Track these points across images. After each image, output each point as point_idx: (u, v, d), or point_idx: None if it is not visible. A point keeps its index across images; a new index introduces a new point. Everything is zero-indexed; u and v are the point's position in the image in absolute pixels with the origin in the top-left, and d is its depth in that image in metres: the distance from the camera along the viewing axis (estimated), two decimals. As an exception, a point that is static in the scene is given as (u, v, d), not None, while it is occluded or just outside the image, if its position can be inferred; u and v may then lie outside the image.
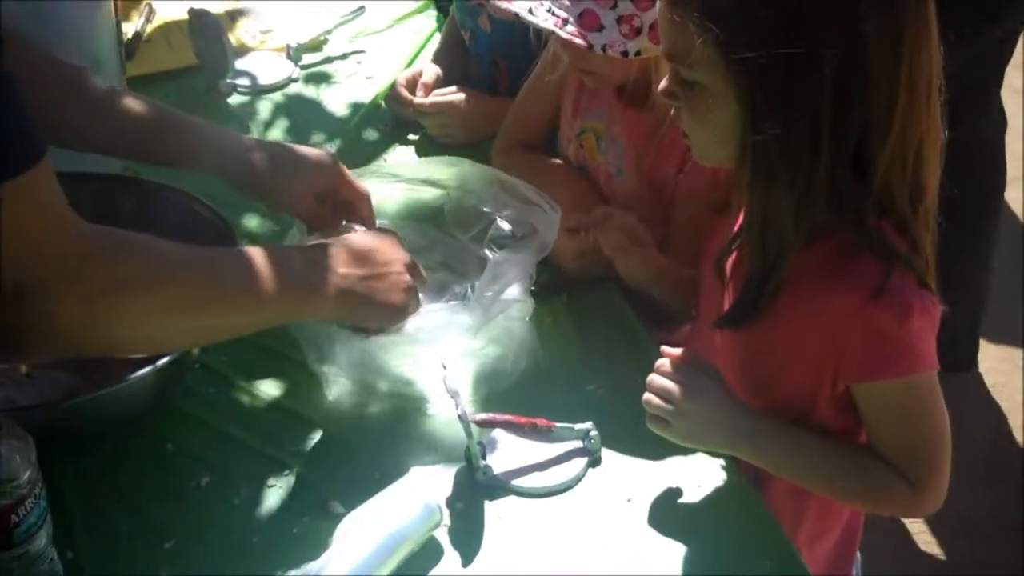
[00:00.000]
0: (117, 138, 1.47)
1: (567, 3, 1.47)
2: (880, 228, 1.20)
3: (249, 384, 1.47)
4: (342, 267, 1.31)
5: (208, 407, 1.44)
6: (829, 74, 1.12)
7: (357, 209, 1.50)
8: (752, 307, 1.26)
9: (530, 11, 1.48)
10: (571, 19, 1.47)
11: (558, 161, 1.76)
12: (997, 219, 2.64)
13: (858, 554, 1.52)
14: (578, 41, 1.47)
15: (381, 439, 1.40)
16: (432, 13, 2.31)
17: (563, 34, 1.47)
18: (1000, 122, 2.53)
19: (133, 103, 1.48)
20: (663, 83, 1.26)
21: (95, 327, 1.11)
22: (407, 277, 1.36)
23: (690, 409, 1.26)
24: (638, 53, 1.47)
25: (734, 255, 1.33)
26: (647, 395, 1.28)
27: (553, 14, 1.48)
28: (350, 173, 1.51)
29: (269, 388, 1.47)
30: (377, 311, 1.35)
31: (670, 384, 1.27)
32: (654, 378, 1.29)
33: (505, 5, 1.50)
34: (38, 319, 1.06)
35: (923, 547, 2.46)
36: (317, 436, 1.40)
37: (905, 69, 1.15)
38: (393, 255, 1.37)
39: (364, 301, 1.32)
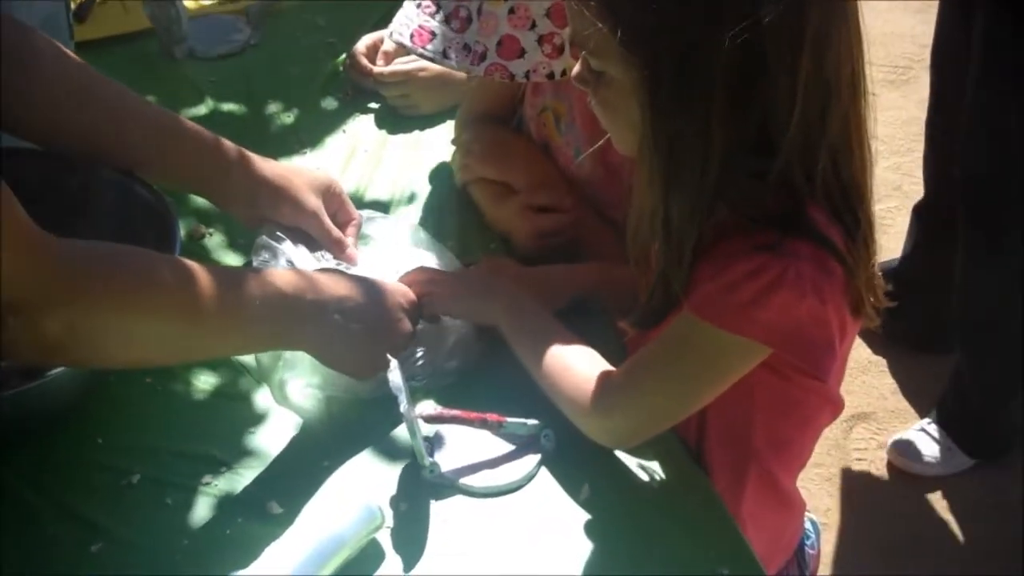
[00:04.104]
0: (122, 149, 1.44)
1: (486, 33, 1.41)
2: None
3: (187, 373, 1.40)
4: (333, 306, 1.28)
5: (143, 397, 1.37)
6: (722, 68, 1.08)
7: (341, 233, 1.51)
8: (658, 311, 1.23)
9: (444, 53, 1.42)
10: (490, 49, 1.40)
11: (521, 137, 1.68)
12: None
13: (816, 523, 1.52)
14: (497, 76, 1.41)
15: (322, 436, 1.33)
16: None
17: (479, 71, 1.41)
18: None
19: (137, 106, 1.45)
20: (575, 69, 1.22)
21: (81, 344, 1.12)
22: (392, 336, 1.32)
23: (447, 278, 1.41)
24: (564, 73, 1.41)
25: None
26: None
27: (470, 49, 1.41)
28: (347, 197, 1.53)
29: (208, 378, 1.40)
30: (350, 362, 1.32)
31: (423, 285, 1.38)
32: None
33: (421, 51, 1.44)
34: (23, 336, 1.07)
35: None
36: (256, 431, 1.34)
37: (808, 64, 1.09)
38: (389, 307, 1.33)
39: (342, 352, 1.31)
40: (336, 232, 1.49)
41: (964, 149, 2.35)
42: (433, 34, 1.43)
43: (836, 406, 1.35)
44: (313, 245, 1.49)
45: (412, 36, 1.44)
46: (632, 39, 1.11)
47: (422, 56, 1.45)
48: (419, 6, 1.45)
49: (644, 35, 1.10)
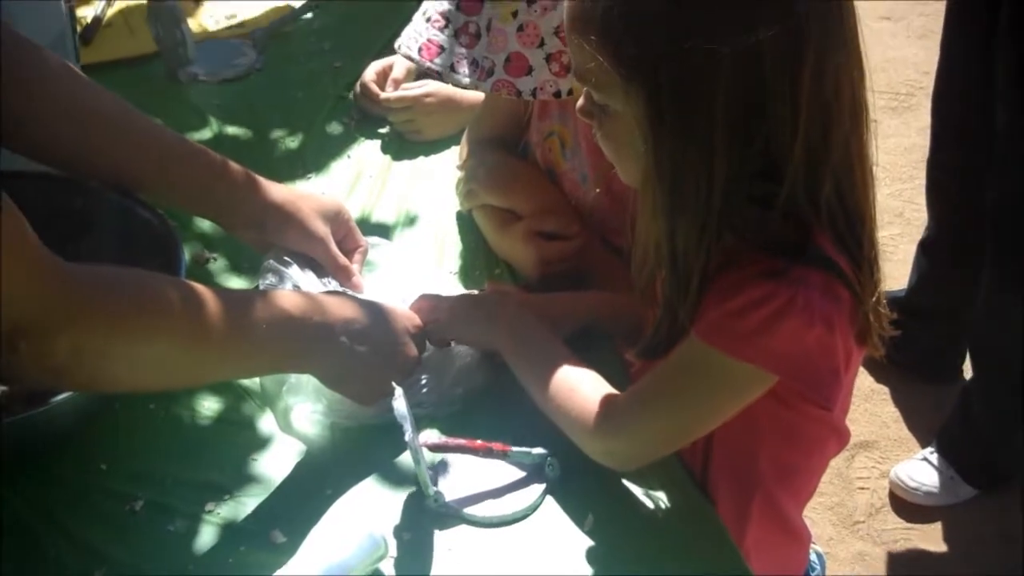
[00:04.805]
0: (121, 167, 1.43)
1: (494, 49, 1.40)
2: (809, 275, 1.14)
3: (191, 399, 1.39)
4: (340, 328, 1.28)
5: (146, 423, 1.37)
6: (722, 99, 1.08)
7: (347, 261, 1.51)
8: (664, 343, 1.22)
9: (452, 68, 1.42)
10: (498, 65, 1.40)
11: (526, 163, 1.68)
12: None
13: (821, 555, 1.52)
14: (504, 92, 1.41)
15: (326, 463, 1.33)
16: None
17: (486, 87, 1.41)
18: None
19: (149, 130, 1.45)
20: (580, 102, 1.22)
21: (88, 366, 1.11)
22: (398, 360, 1.33)
23: (450, 303, 1.42)
24: (571, 92, 1.40)
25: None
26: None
27: (477, 65, 1.41)
28: (354, 223, 1.54)
29: (212, 404, 1.40)
30: (356, 386, 1.32)
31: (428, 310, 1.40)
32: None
33: (428, 65, 1.43)
34: (33, 358, 1.06)
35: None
36: (260, 458, 1.33)
37: (807, 91, 1.09)
38: (395, 331, 1.33)
39: (348, 375, 1.30)
40: (342, 259, 1.49)
41: (996, 177, 2.33)
42: (441, 48, 1.43)
43: (842, 436, 1.35)
44: (320, 270, 1.49)
45: (420, 50, 1.43)
46: (633, 72, 1.11)
47: (429, 70, 1.45)
48: (428, 20, 1.44)
49: (644, 68, 1.10)
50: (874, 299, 1.19)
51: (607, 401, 1.25)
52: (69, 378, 1.13)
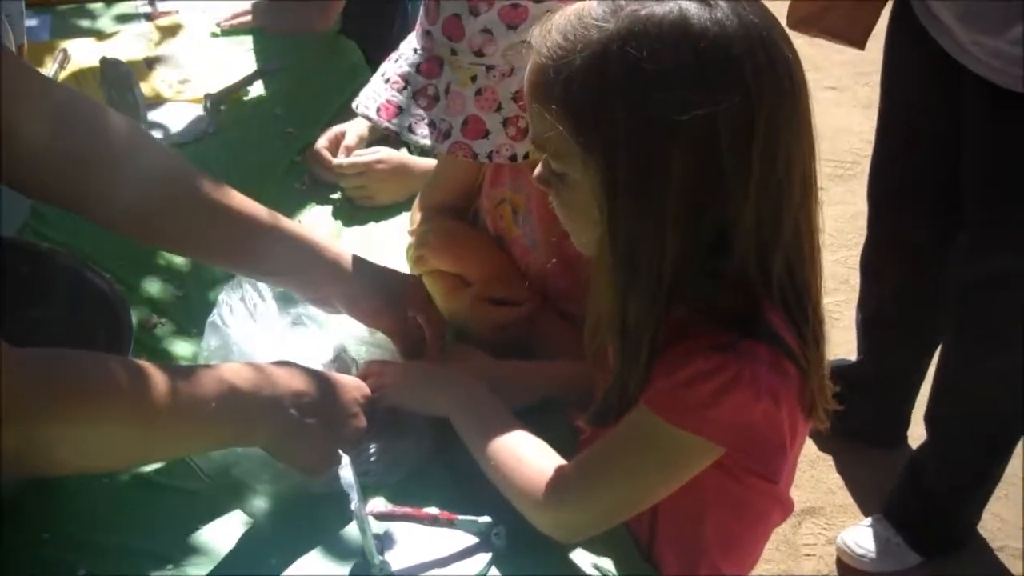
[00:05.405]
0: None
1: (452, 112, 1.42)
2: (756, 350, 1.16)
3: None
4: (289, 401, 1.28)
5: (89, 491, 1.35)
6: (678, 172, 1.10)
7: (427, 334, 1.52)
8: (614, 410, 1.23)
9: (409, 128, 1.42)
10: (455, 128, 1.41)
11: (476, 230, 1.69)
12: None
13: None
14: (460, 154, 1.42)
15: (271, 533, 1.32)
16: (360, 65, 2.25)
17: (443, 148, 1.42)
18: None
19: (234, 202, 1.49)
20: (537, 169, 1.24)
21: (34, 451, 1.10)
22: (347, 431, 1.33)
23: (399, 369, 1.44)
24: (526, 156, 1.42)
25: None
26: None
27: (435, 127, 1.42)
28: (429, 303, 1.53)
29: (156, 473, 1.38)
30: (304, 458, 1.31)
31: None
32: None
33: (386, 125, 1.44)
34: None
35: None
36: (204, 528, 1.32)
37: (759, 169, 1.12)
38: (344, 402, 1.34)
39: (297, 447, 1.30)
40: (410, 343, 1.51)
41: (968, 259, 2.35)
42: (400, 109, 1.43)
43: (786, 507, 1.36)
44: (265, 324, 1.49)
45: (379, 110, 1.44)
46: (591, 143, 1.13)
47: (387, 130, 1.45)
48: (387, 82, 1.45)
49: (603, 139, 1.12)
50: (820, 374, 1.21)
51: (554, 472, 1.25)
52: (18, 466, 1.12)
